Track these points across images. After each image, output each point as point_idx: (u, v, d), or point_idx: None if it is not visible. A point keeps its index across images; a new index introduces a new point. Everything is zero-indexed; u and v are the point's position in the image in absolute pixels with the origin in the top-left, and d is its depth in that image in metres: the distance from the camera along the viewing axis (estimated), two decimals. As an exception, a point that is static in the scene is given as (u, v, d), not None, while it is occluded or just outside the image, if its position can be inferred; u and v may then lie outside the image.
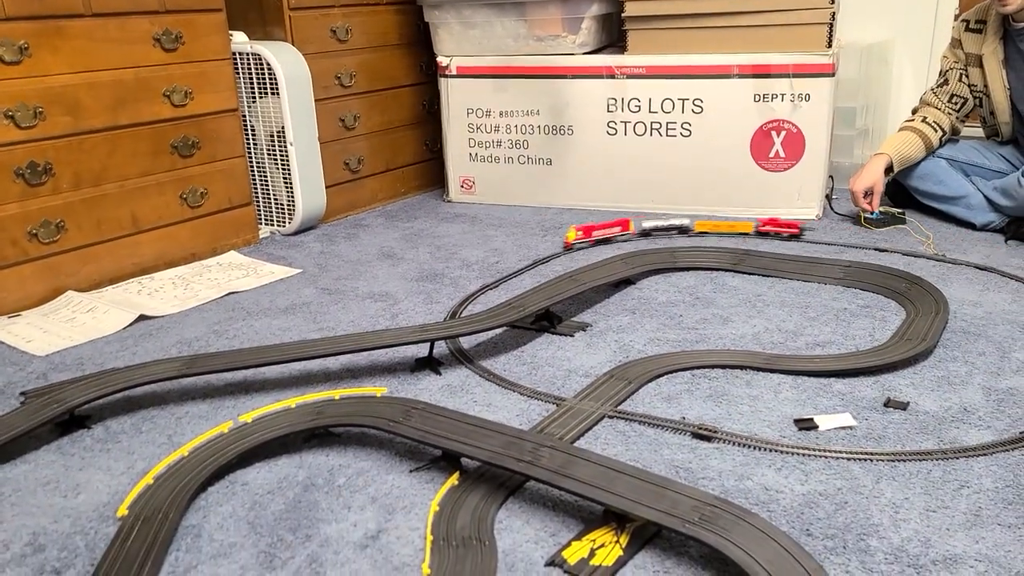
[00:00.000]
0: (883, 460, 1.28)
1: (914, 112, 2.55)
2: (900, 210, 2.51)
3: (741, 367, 1.62)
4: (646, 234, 2.52)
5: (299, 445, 1.38)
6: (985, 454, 1.28)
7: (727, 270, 2.19)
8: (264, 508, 1.21)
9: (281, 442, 1.37)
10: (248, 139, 2.61)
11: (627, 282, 2.13)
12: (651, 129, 2.72)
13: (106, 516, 1.20)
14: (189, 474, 1.26)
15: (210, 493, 1.25)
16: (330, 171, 2.76)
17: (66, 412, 1.43)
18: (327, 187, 2.72)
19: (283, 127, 2.54)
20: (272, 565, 1.09)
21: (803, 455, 1.30)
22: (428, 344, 1.69)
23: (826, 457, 1.29)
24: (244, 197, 2.52)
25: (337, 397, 1.47)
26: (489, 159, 2.96)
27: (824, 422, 1.40)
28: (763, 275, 2.14)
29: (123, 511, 1.19)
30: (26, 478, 1.32)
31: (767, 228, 2.44)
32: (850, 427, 1.38)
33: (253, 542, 1.14)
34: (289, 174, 2.58)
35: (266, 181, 2.65)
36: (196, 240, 2.40)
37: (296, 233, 2.67)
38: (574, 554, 1.09)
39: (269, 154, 2.61)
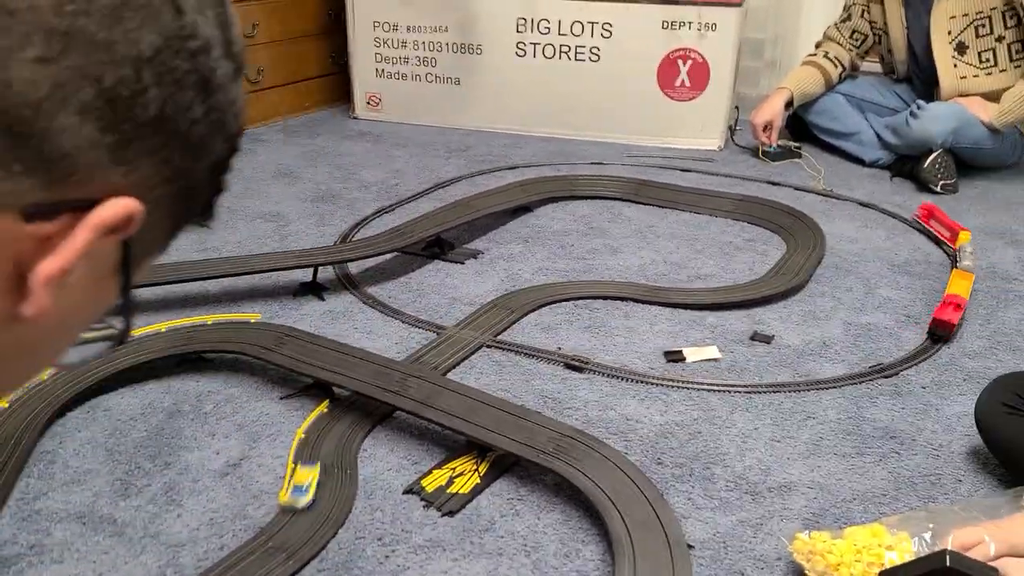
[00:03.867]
0: (740, 392, 1.34)
1: (817, 46, 2.58)
2: (797, 144, 2.56)
3: (622, 299, 1.65)
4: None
5: (169, 370, 1.36)
6: (834, 387, 1.35)
7: (624, 200, 2.21)
8: (125, 435, 1.20)
9: (149, 367, 1.35)
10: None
11: (525, 208, 2.13)
12: (560, 52, 2.68)
13: (-42, 442, 1.17)
14: (48, 398, 1.23)
15: (69, 419, 1.23)
16: (227, 82, 2.64)
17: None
18: (223, 99, 2.60)
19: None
20: (127, 493, 1.08)
21: (667, 386, 1.35)
22: (312, 269, 1.67)
23: (688, 388, 1.34)
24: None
25: (210, 322, 1.45)
26: (396, 76, 2.89)
27: (691, 354, 1.44)
28: (658, 206, 2.17)
29: (-25, 437, 1.17)
30: None
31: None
32: (716, 359, 1.43)
33: (110, 469, 1.13)
34: (181, 84, 2.46)
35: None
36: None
37: (190, 147, 2.57)
38: (433, 482, 1.12)
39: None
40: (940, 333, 1.48)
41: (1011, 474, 1.11)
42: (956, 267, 1.68)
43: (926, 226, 1.97)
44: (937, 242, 1.91)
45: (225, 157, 0.40)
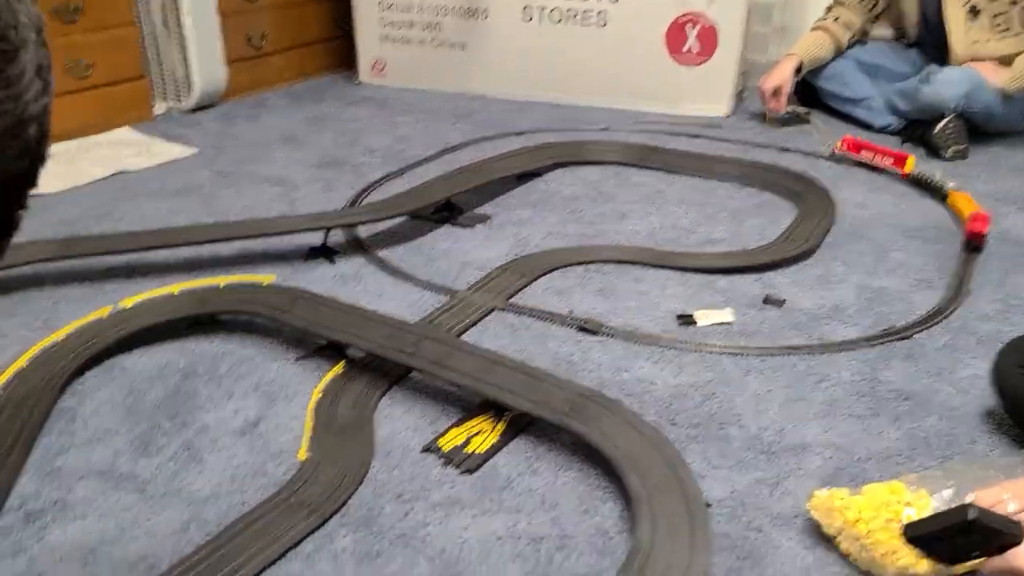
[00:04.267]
0: (753, 354, 1.34)
1: (828, 11, 2.55)
2: (806, 110, 2.54)
3: (632, 263, 1.65)
4: (915, 181, 2.01)
5: (183, 332, 1.36)
6: (848, 350, 1.35)
7: (633, 165, 2.20)
8: (142, 394, 1.20)
9: (164, 329, 1.35)
10: (139, 6, 2.44)
11: (533, 174, 2.12)
12: (567, 17, 2.65)
13: (-25, 401, 1.18)
14: (65, 358, 1.24)
15: (87, 378, 1.23)
16: (232, 45, 2.62)
17: (-66, 294, 1.38)
18: (228, 63, 2.58)
19: (177, -4, 2.38)
20: (147, 451, 1.09)
21: (680, 349, 1.35)
22: (323, 232, 1.66)
23: (700, 351, 1.35)
24: (135, 70, 2.38)
25: (223, 285, 1.45)
26: (401, 41, 2.86)
27: (703, 318, 1.45)
28: (667, 171, 2.15)
29: (-7, 396, 1.17)
30: None
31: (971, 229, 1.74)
32: (728, 323, 1.43)
33: (129, 428, 1.13)
34: (185, 46, 2.44)
35: (160, 53, 2.50)
36: (83, 114, 2.27)
37: (194, 111, 2.55)
38: (450, 441, 1.13)
39: (164, 24, 2.45)
40: (976, 244, 1.67)
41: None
42: (948, 192, 1.85)
43: (854, 156, 2.05)
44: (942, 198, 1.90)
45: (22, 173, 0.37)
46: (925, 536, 0.69)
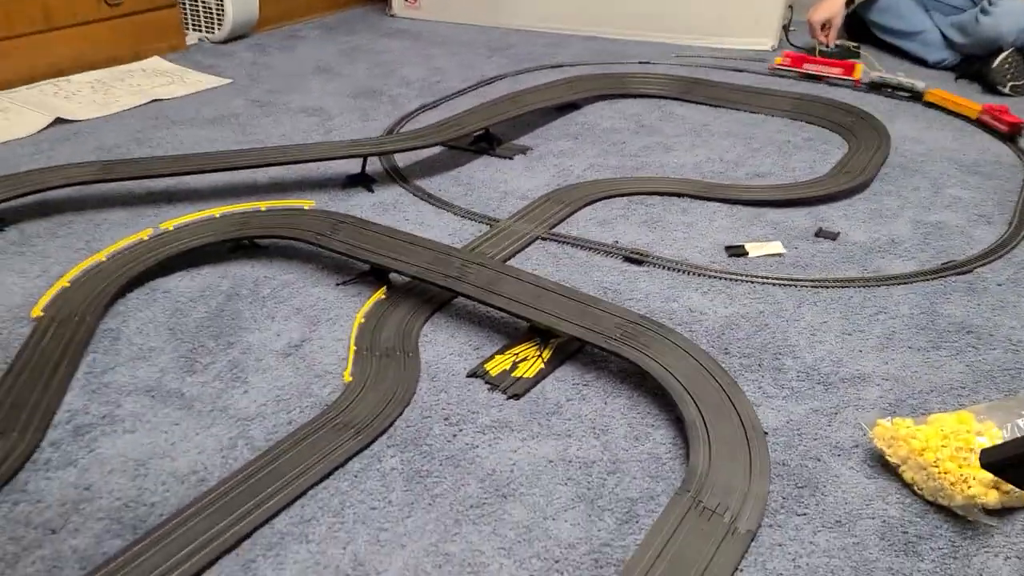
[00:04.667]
0: (807, 286, 1.30)
1: (881, -60, 2.43)
2: (855, 44, 2.44)
3: (679, 195, 1.61)
4: (875, 87, 2.13)
5: (223, 256, 1.34)
6: (905, 283, 1.31)
7: (675, 99, 2.13)
8: (186, 315, 1.19)
9: (204, 252, 1.33)
10: (171, -68, 2.39)
11: (572, 106, 2.07)
12: (608, -55, 2.56)
13: (20, 317, 1.17)
14: (107, 279, 1.22)
15: (129, 299, 1.22)
16: (263, -25, 2.56)
17: (-26, 214, 1.36)
18: (260, -8, 2.53)
19: (209, -80, 2.32)
20: (192, 369, 1.08)
21: (730, 280, 1.32)
22: (360, 160, 1.63)
23: (752, 282, 1.31)
24: (168, -2, 2.34)
25: (264, 208, 1.42)
26: (436, -29, 2.78)
27: (754, 249, 1.40)
28: (711, 105, 2.09)
29: (37, 312, 1.16)
30: (-66, 280, 1.27)
31: (988, 118, 1.90)
32: (779, 255, 1.39)
33: (173, 347, 1.12)
34: (217, -25, 2.39)
35: (192, -18, 2.45)
36: (116, 42, 2.23)
37: (226, 41, 2.51)
38: (496, 366, 1.10)
39: (195, -49, 2.40)
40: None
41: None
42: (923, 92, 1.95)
43: (798, 70, 2.11)
44: (1002, 137, 1.83)
45: None
46: (1003, 461, 0.65)
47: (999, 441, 0.87)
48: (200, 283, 1.27)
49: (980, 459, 0.65)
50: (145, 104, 2.00)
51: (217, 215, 1.39)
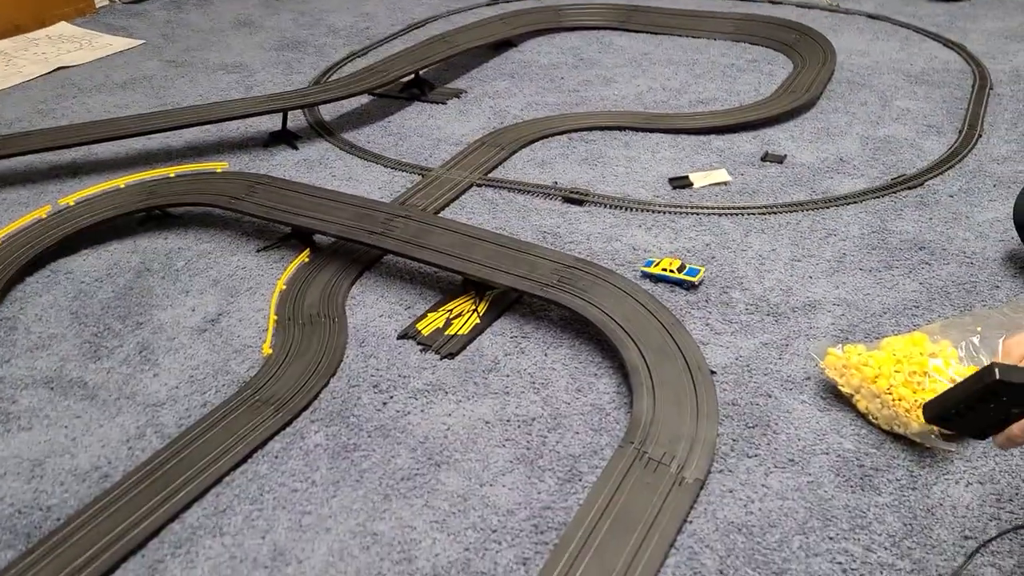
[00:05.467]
0: (754, 214, 1.24)
1: None
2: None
3: (620, 128, 1.53)
4: None
5: (132, 229, 1.25)
6: (855, 202, 1.25)
7: (614, 28, 2.04)
8: (90, 297, 1.10)
9: (111, 226, 1.24)
10: None
11: (507, 44, 1.96)
12: None
13: (-92, 315, 1.08)
14: (2, 263, 1.13)
15: (28, 284, 1.13)
16: (172, -74, 2.40)
17: None
18: (170, -55, 2.37)
19: None
20: (97, 355, 1.00)
21: (675, 213, 1.25)
22: (281, 116, 1.53)
23: (697, 214, 1.24)
24: (69, -43, 2.18)
25: (173, 175, 1.33)
26: (358, -90, 2.62)
27: (699, 179, 1.34)
28: (652, 33, 2.00)
29: (-74, 309, 1.07)
30: None
31: None
32: (725, 183, 1.33)
33: (76, 332, 1.04)
34: (120, -71, 2.23)
35: (95, -61, 2.29)
36: (18, 10, 2.08)
37: (139, 0, 2.36)
38: (429, 325, 1.03)
39: (94, -95, 2.24)
40: None
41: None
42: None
43: None
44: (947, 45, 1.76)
45: None
46: (946, 414, 0.59)
47: (954, 361, 0.82)
48: (107, 261, 1.18)
49: (924, 414, 0.60)
50: (50, 73, 1.87)
51: (122, 185, 1.29)
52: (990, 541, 0.72)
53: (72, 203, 1.25)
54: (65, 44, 2.03)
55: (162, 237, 1.23)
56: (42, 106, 1.70)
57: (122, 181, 1.31)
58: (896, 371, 0.82)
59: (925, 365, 0.81)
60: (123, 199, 1.25)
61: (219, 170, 1.35)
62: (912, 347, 0.84)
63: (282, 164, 1.45)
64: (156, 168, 1.41)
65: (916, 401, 0.79)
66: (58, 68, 1.88)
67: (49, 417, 0.90)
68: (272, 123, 1.56)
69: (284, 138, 1.52)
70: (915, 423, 0.79)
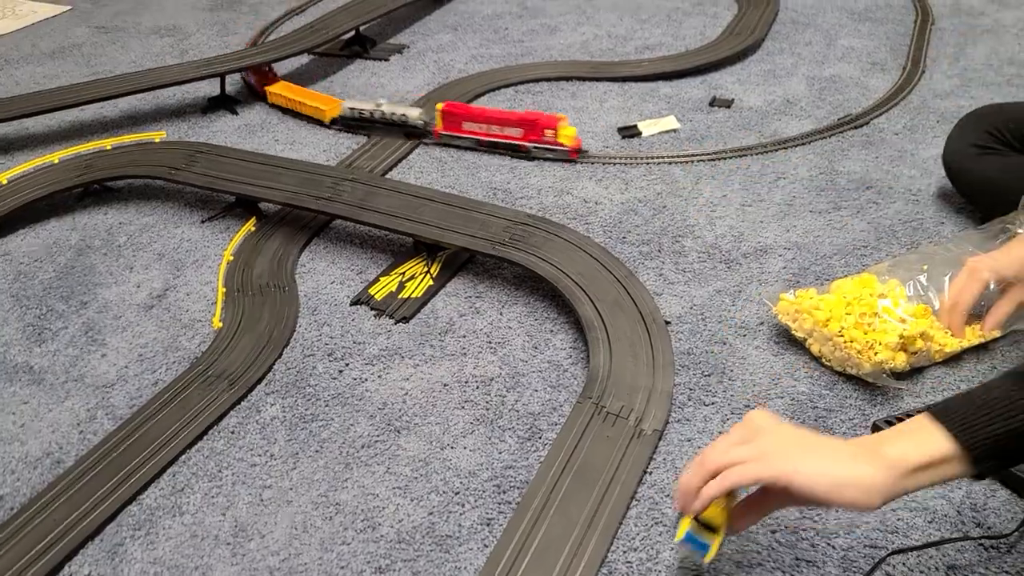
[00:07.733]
0: (704, 160, 1.23)
1: None
2: None
3: (567, 78, 1.51)
4: None
5: (71, 206, 1.21)
6: (803, 143, 1.25)
7: (558, -25, 2.00)
8: (31, 277, 1.07)
9: (49, 203, 1.19)
10: None
11: (450, -5, 1.92)
12: None
13: None
14: (-65, 250, 1.09)
15: (-37, 269, 1.09)
16: None
17: None
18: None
19: None
20: (41, 338, 0.97)
21: (624, 164, 1.24)
22: (219, 80, 1.48)
23: (647, 163, 1.24)
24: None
25: (109, 147, 1.28)
26: None
27: (648, 127, 1.33)
28: (596, -22, 1.97)
29: None
30: None
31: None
32: (674, 130, 1.32)
33: (18, 316, 1.00)
34: None
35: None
36: (-70, -22, 1.98)
37: (62, -37, 2.25)
38: (381, 290, 1.02)
39: None
40: None
41: (983, 214, 1.03)
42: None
43: None
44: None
45: None
46: None
47: (903, 300, 0.83)
48: (45, 239, 1.14)
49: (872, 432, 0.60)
50: (-28, 44, 1.79)
51: (56, 160, 1.25)
52: (896, 553, 0.67)
53: (4, 181, 1.20)
54: (-14, 12, 1.93)
55: (102, 212, 1.20)
56: (-35, 80, 1.63)
57: (56, 156, 1.26)
58: (847, 313, 0.83)
59: (874, 306, 0.82)
60: (59, 174, 1.20)
61: (157, 140, 1.31)
62: (862, 288, 0.85)
63: (222, 131, 1.41)
64: (92, 141, 1.36)
65: (867, 342, 0.81)
66: (-20, 38, 1.80)
67: (-6, 405, 0.87)
68: (211, 88, 1.51)
69: (223, 103, 1.48)
70: (867, 363, 0.80)
